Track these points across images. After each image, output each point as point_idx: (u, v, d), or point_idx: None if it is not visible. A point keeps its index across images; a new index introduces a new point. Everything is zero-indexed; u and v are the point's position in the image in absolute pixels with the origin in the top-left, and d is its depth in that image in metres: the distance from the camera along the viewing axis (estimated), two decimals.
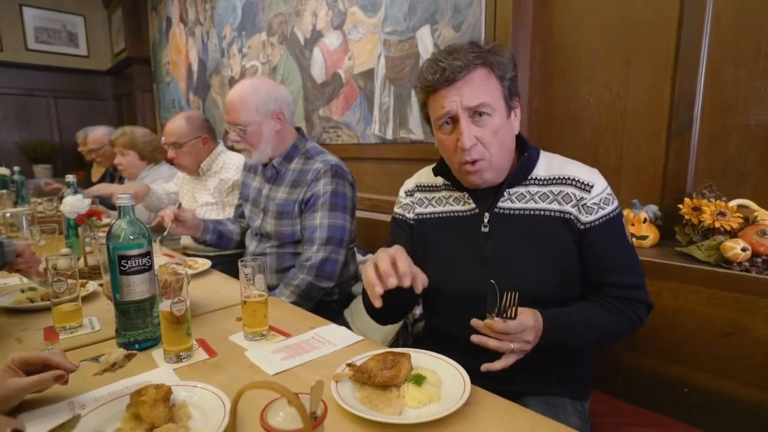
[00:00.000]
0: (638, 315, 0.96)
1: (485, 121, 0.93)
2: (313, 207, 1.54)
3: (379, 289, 0.83)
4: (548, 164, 1.01)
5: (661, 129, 1.43)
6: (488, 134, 0.93)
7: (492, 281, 0.82)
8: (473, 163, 0.94)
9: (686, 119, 1.37)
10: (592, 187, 0.95)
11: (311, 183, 1.55)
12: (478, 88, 0.92)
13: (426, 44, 1.98)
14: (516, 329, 0.82)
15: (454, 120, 0.94)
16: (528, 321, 0.84)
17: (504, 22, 1.70)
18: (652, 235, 1.36)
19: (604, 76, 1.55)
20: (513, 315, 0.82)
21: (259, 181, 1.74)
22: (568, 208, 0.96)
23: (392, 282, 0.83)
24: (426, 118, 1.03)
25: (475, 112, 0.92)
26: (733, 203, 1.23)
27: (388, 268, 0.83)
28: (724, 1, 1.28)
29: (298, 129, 1.70)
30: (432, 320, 1.16)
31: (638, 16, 1.46)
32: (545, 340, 0.88)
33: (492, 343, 0.83)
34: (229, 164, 2.18)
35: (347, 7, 2.37)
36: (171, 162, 2.57)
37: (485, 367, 0.85)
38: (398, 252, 0.86)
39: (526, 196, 0.99)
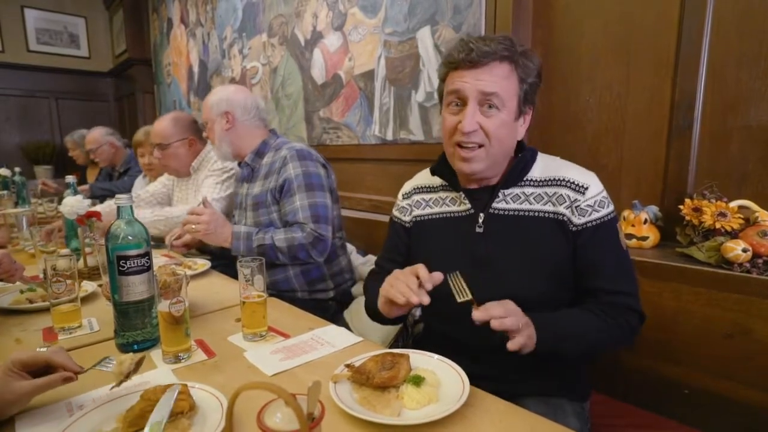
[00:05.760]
0: (630, 323, 0.92)
1: (492, 113, 0.93)
2: (289, 192, 1.59)
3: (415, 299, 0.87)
4: (545, 166, 1.00)
5: (662, 129, 1.42)
6: (492, 125, 0.93)
7: (448, 275, 0.87)
8: (469, 149, 0.94)
9: (687, 120, 1.36)
10: (586, 189, 0.94)
11: (281, 169, 1.62)
12: (496, 79, 0.92)
13: (426, 45, 1.98)
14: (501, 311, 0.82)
15: (463, 102, 0.94)
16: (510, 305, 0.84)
17: (504, 23, 1.70)
18: (652, 235, 1.36)
19: (605, 77, 1.55)
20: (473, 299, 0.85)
21: (242, 185, 1.81)
22: (561, 209, 0.94)
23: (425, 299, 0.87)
24: (440, 93, 1.02)
25: (485, 101, 0.92)
26: (734, 204, 1.23)
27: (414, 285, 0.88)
28: (724, 1, 1.28)
29: (272, 130, 1.80)
30: (430, 322, 1.15)
31: (639, 17, 1.45)
32: (539, 348, 0.85)
33: (495, 323, 0.80)
34: (215, 159, 2.13)
35: (347, 8, 2.37)
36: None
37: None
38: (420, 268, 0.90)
39: (520, 197, 0.98)
